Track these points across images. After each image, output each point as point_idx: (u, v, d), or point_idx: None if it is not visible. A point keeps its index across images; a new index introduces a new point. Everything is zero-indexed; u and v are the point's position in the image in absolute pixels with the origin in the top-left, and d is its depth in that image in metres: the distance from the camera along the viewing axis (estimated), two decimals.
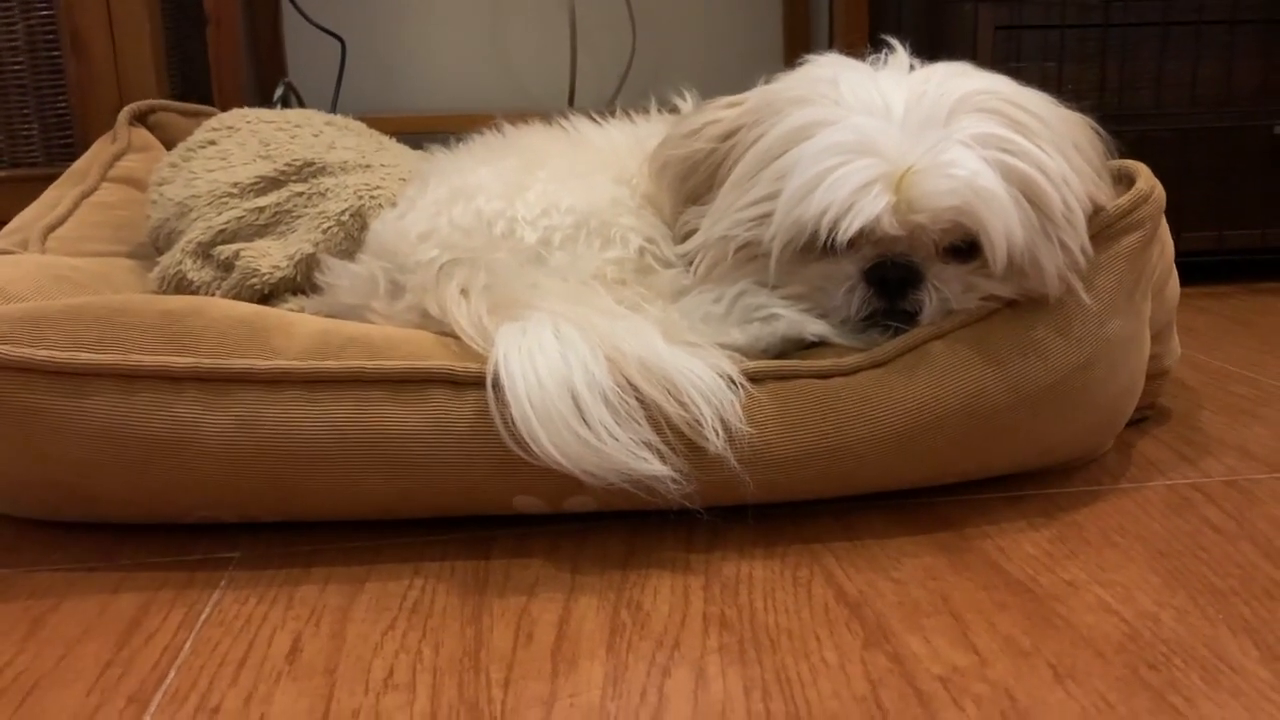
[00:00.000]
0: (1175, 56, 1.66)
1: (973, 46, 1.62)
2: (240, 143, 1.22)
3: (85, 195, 1.31)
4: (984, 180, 0.79)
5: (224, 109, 1.50)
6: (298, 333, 0.83)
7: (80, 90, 1.61)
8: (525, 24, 2.13)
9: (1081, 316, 0.85)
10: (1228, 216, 1.68)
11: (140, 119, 1.46)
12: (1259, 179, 1.68)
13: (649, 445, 0.75)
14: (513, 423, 0.75)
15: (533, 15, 2.13)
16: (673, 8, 2.16)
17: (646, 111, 1.11)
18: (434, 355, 0.81)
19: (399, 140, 1.36)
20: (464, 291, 0.85)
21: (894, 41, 0.94)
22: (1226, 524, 0.83)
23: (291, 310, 1.03)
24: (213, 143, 1.24)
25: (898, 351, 0.83)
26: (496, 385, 0.76)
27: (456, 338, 0.82)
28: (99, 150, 1.39)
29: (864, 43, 1.74)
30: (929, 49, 0.93)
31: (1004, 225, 0.80)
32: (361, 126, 1.34)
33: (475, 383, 0.78)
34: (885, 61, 0.92)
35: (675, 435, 0.76)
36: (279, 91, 1.84)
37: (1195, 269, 1.66)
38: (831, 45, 1.96)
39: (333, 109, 1.86)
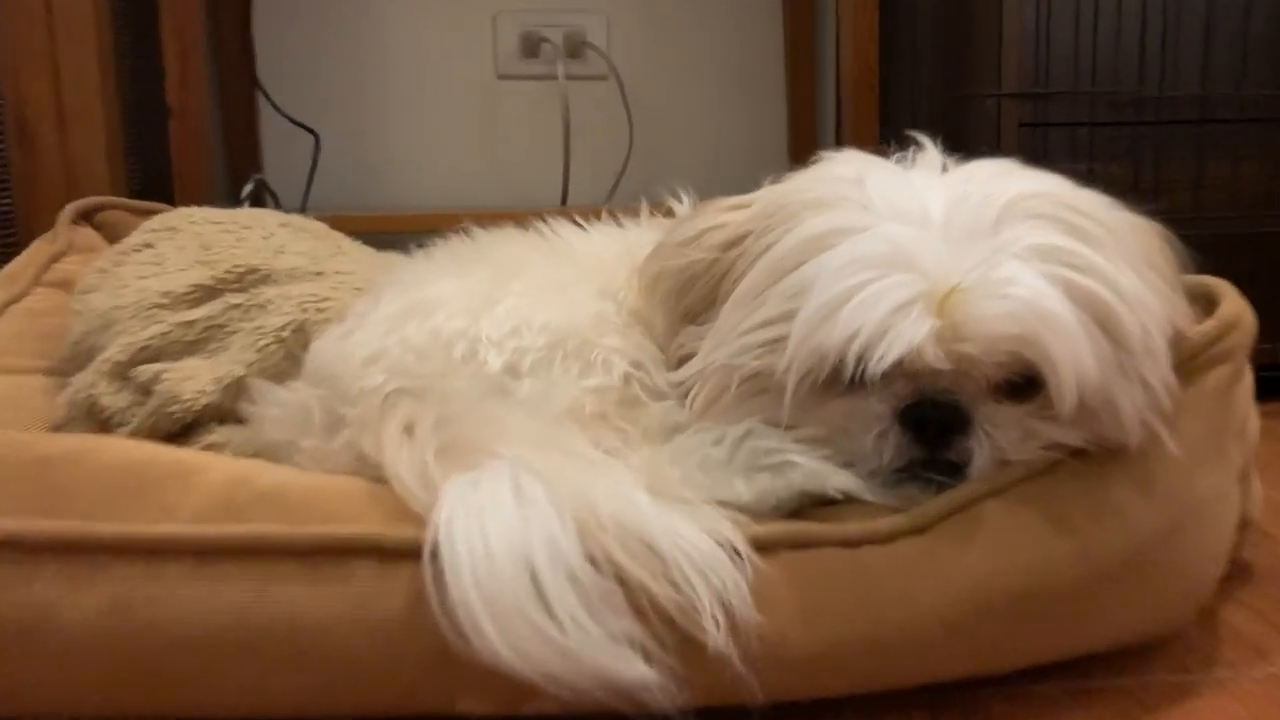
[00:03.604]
0: (1215, 156, 1.53)
1: (996, 145, 1.50)
2: (179, 246, 1.08)
3: (12, 301, 1.17)
4: (1049, 302, 0.65)
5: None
6: (199, 484, 0.67)
7: (26, 185, 1.48)
8: (516, 120, 2.04)
9: (1165, 470, 0.69)
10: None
11: (86, 217, 1.33)
12: None
13: (630, 640, 0.59)
14: (452, 609, 0.59)
15: (524, 111, 2.04)
16: (672, 105, 2.07)
17: (637, 214, 0.98)
18: (364, 516, 0.65)
19: (379, 242, 1.24)
20: (408, 429, 0.70)
21: (921, 137, 0.81)
22: None
23: (216, 444, 0.88)
24: (149, 245, 1.10)
25: (943, 513, 0.67)
26: (436, 558, 0.60)
27: None
28: (36, 252, 1.25)
29: (873, 146, 1.63)
30: (947, 150, 0.82)
31: (1073, 357, 0.65)
32: (322, 228, 1.20)
33: (411, 554, 0.62)
34: (913, 160, 0.79)
35: (664, 625, 0.60)
36: (248, 189, 1.71)
37: None
38: (839, 147, 1.86)
39: (302, 208, 1.74)
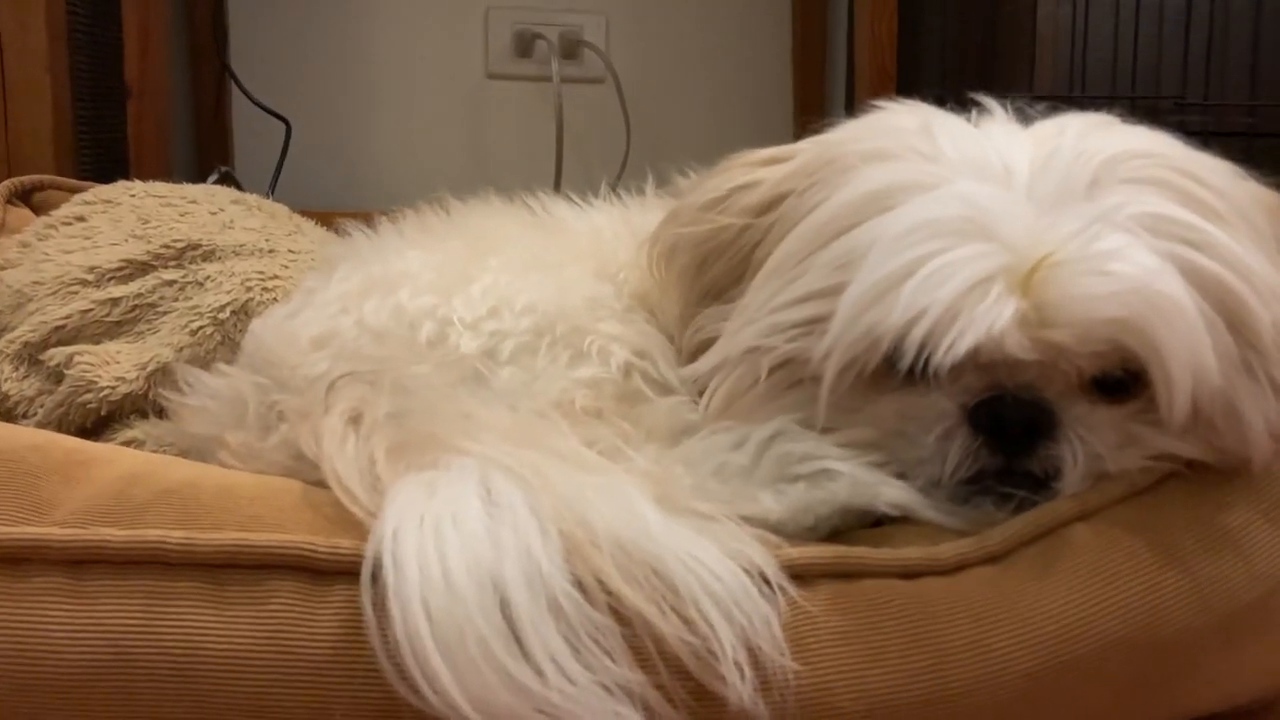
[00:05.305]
0: (1265, 171, 1.42)
1: None
2: (115, 219, 0.96)
3: None
4: (1162, 283, 0.52)
5: None
6: (87, 478, 0.53)
7: None
8: (506, 123, 1.96)
9: None
10: None
11: (23, 196, 1.20)
12: None
13: (628, 692, 0.45)
14: (396, 645, 0.45)
15: (515, 114, 1.95)
16: (672, 111, 1.98)
17: (642, 194, 0.85)
18: (290, 523, 0.51)
19: None
20: (354, 419, 0.57)
21: (987, 101, 0.70)
22: None
23: (136, 441, 0.75)
24: (81, 218, 0.97)
25: (1022, 538, 0.54)
26: (378, 579, 0.47)
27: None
28: None
29: None
30: None
31: (1189, 352, 0.53)
32: (280, 209, 1.08)
33: (347, 572, 0.48)
34: (979, 121, 0.67)
35: (672, 673, 0.46)
36: (212, 179, 1.58)
37: None
38: None
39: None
